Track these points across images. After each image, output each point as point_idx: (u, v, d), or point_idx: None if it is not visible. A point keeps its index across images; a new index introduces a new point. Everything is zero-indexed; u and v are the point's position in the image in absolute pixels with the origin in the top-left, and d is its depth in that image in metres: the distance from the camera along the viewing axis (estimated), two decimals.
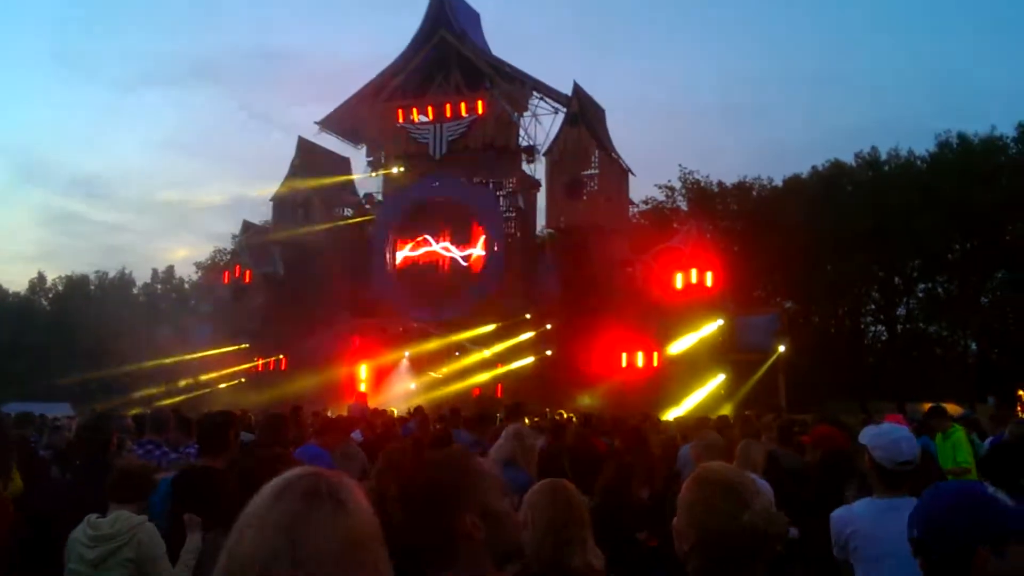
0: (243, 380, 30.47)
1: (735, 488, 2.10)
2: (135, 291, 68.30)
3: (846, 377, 40.82)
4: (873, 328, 48.45)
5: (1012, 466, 4.29)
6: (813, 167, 47.42)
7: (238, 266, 33.84)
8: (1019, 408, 34.93)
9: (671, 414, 20.93)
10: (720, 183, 48.74)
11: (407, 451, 4.89)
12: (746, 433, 8.02)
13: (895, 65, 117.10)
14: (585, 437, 8.31)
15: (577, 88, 31.32)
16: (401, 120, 33.67)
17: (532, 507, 2.92)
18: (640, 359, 26.93)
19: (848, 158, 46.88)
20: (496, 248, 31.20)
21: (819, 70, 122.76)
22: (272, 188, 34.92)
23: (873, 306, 46.99)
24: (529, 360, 27.97)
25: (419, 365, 29.02)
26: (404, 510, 1.96)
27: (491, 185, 33.16)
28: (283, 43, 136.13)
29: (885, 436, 3.78)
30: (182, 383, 30.32)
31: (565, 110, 31.70)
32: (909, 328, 45.99)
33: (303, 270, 32.13)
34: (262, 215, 38.05)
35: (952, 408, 22.34)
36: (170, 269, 71.65)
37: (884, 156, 46.03)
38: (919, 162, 45.02)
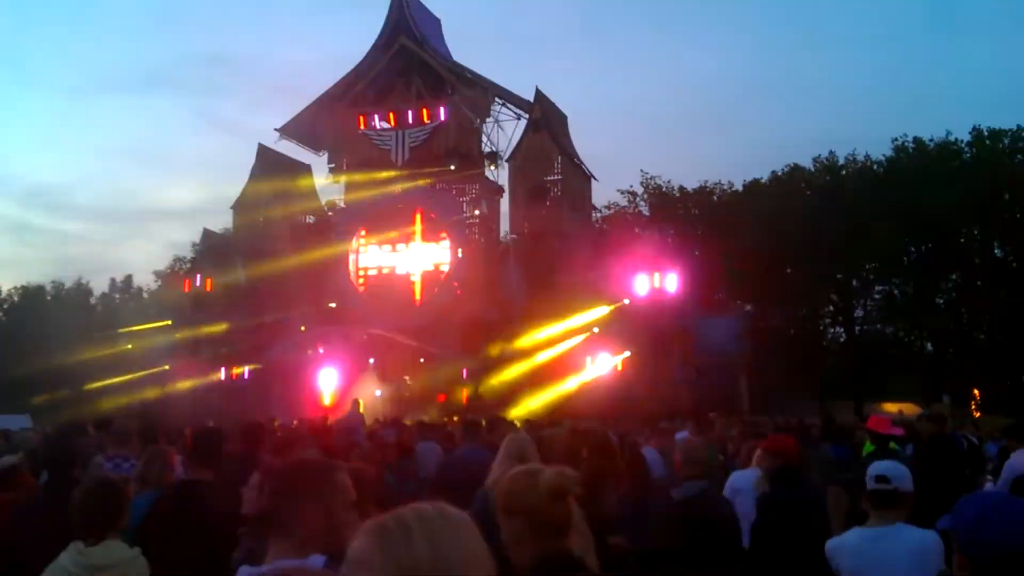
0: (206, 391, 30.06)
1: None
2: (92, 301, 67.09)
3: (806, 378, 41.39)
4: (832, 330, 49.18)
5: None
6: (773, 172, 47.88)
7: (199, 274, 33.44)
8: (973, 406, 35.83)
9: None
10: (681, 188, 49.15)
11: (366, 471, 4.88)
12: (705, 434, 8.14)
13: (854, 71, 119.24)
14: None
15: (539, 94, 31.49)
16: (362, 127, 33.58)
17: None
18: (604, 363, 27.10)
19: (807, 163, 47.45)
20: (460, 254, 31.22)
21: (778, 76, 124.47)
22: (232, 195, 34.61)
23: (831, 308, 47.68)
24: (494, 366, 27.95)
25: (384, 372, 28.89)
26: (270, 492, 2.53)
27: (454, 191, 33.20)
28: (240, 49, 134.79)
29: (873, 468, 3.96)
30: (143, 395, 29.82)
31: (527, 116, 31.85)
32: (867, 330, 46.78)
33: (265, 278, 31.83)
34: (223, 223, 37.69)
35: (909, 408, 22.86)
36: (128, 278, 70.49)
37: (842, 160, 46.66)
38: (876, 167, 45.68)
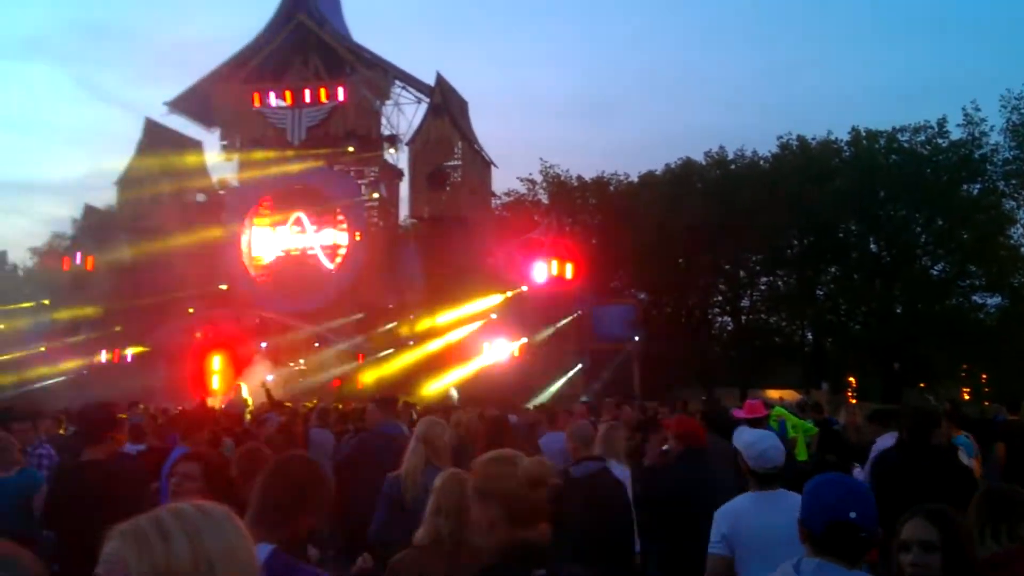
0: (85, 374, 28.70)
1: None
2: None
3: (694, 365, 42.70)
4: (719, 319, 50.86)
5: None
6: (667, 164, 49.00)
7: (80, 252, 31.84)
8: (848, 393, 37.83)
9: (531, 403, 21.31)
10: (580, 177, 49.79)
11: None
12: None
13: (746, 68, 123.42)
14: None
15: (440, 79, 31.28)
16: (257, 104, 32.58)
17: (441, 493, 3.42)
18: (501, 349, 27.27)
19: (699, 157, 48.73)
20: (358, 237, 30.78)
21: (675, 70, 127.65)
22: (116, 171, 33.04)
23: (720, 298, 49.30)
24: (391, 351, 27.75)
25: (277, 357, 28.22)
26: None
27: (352, 173, 32.69)
28: (127, 19, 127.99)
29: (756, 447, 4.10)
30: (15, 378, 28.19)
31: (428, 100, 31.60)
32: (752, 319, 48.59)
33: (152, 257, 30.53)
34: (106, 199, 35.92)
35: (790, 394, 23.91)
36: (2, 255, 66.52)
37: (731, 156, 48.18)
38: (763, 162, 47.36)
